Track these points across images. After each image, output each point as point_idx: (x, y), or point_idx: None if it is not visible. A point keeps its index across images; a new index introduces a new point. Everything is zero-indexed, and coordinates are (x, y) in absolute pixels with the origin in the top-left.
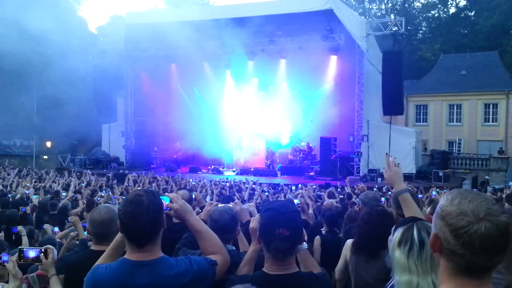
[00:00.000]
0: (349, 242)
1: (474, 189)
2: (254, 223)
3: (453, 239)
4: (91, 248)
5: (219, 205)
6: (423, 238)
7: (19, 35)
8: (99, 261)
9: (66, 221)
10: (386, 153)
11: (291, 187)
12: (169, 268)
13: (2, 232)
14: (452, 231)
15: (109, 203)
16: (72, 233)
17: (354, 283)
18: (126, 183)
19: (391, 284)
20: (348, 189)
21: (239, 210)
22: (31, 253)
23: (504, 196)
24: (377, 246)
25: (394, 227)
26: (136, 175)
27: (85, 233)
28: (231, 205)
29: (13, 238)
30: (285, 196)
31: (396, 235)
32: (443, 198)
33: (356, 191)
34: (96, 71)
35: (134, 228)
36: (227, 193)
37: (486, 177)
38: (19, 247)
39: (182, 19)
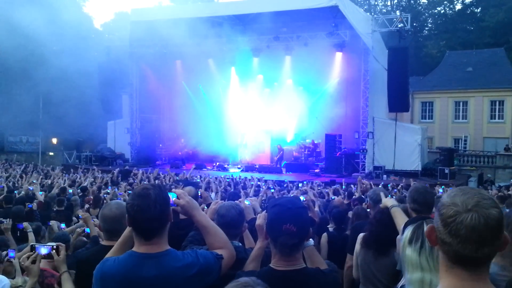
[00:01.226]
0: (360, 235)
1: (480, 186)
2: (260, 220)
3: (442, 228)
4: (102, 243)
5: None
6: None
7: (23, 33)
8: (109, 254)
9: (72, 217)
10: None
11: (298, 184)
12: (176, 260)
13: (10, 220)
14: (442, 220)
15: (115, 199)
16: (78, 229)
17: (361, 276)
18: (131, 180)
19: (401, 283)
20: (358, 191)
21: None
22: (43, 250)
23: (510, 193)
24: (387, 244)
25: (403, 225)
26: (141, 171)
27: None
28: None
29: (18, 234)
30: (289, 193)
31: (406, 233)
32: (445, 193)
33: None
34: (101, 68)
35: (141, 221)
36: (232, 190)
37: (489, 175)
38: (31, 244)
39: (187, 16)
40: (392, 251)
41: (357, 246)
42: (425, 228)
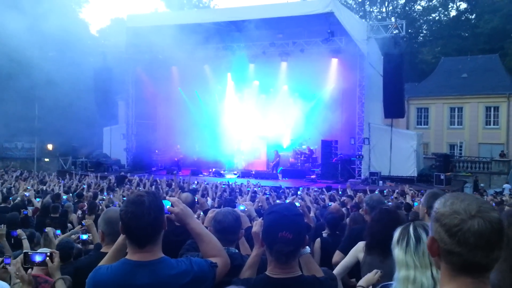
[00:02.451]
0: (361, 244)
1: (475, 192)
2: (256, 227)
3: (448, 239)
4: (101, 250)
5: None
6: (419, 233)
7: (20, 38)
8: (102, 262)
9: (67, 224)
10: None
11: (297, 191)
12: (170, 268)
13: (4, 226)
14: (447, 231)
15: (110, 206)
16: (73, 236)
17: None
18: (127, 185)
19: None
20: (350, 193)
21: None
22: (37, 257)
23: (504, 199)
24: (390, 244)
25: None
26: (137, 177)
27: (85, 236)
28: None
29: (12, 241)
30: (285, 199)
31: (395, 235)
32: (437, 202)
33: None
34: (97, 74)
35: (135, 228)
36: (228, 196)
37: (482, 184)
38: (24, 251)
39: (183, 22)
40: None
41: (360, 255)
42: (411, 227)
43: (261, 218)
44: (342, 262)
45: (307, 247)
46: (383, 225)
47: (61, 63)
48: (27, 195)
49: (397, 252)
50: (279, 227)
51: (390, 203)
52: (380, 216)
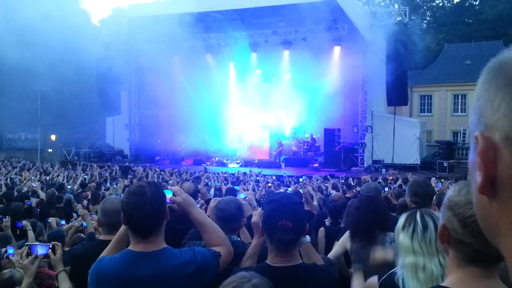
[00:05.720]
0: (348, 233)
1: None
2: (256, 217)
3: (461, 229)
4: (100, 238)
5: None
6: (426, 221)
7: (22, 30)
8: (104, 253)
9: (72, 214)
10: None
11: (298, 179)
12: (173, 259)
13: (8, 218)
14: (460, 221)
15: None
16: (76, 223)
17: None
18: (131, 176)
19: (390, 272)
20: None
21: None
22: (40, 250)
23: None
24: (371, 230)
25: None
26: (141, 168)
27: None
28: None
29: (18, 232)
30: (288, 187)
31: (400, 221)
32: (450, 189)
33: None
34: (99, 64)
35: (137, 220)
36: (230, 185)
37: None
38: (26, 243)
39: (185, 10)
40: (380, 238)
41: (348, 244)
42: (418, 214)
43: (261, 207)
44: (332, 252)
45: (307, 236)
46: (364, 212)
47: (63, 54)
48: (34, 186)
49: (402, 238)
50: (279, 216)
51: (393, 192)
52: (360, 203)
